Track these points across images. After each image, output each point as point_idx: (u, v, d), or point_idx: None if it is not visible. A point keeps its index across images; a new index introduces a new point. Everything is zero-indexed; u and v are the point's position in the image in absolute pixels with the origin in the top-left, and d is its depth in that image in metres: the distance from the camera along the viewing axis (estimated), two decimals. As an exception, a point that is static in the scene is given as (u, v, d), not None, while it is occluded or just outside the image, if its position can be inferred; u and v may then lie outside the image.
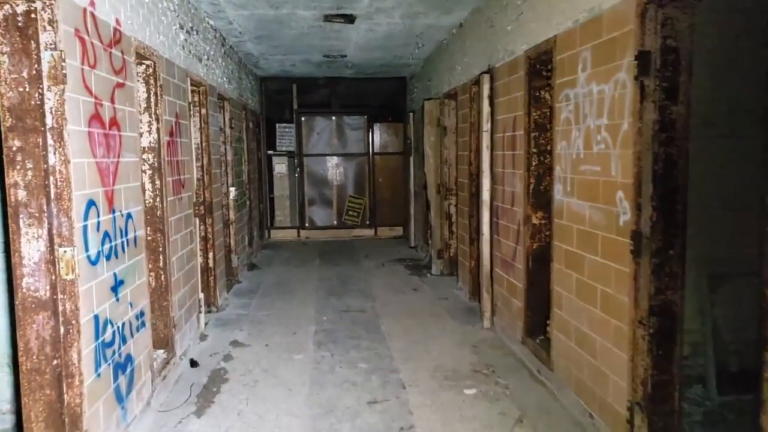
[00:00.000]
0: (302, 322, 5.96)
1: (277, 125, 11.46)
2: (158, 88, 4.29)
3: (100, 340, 3.06)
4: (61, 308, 2.73)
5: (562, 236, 4.04)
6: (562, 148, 4.02)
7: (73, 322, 2.78)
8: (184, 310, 4.92)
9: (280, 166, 11.51)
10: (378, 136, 11.62)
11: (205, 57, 6.11)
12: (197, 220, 5.47)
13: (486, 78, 5.52)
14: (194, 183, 5.41)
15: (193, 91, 5.97)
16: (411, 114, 10.45)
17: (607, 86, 3.33)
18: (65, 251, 2.72)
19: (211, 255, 6.22)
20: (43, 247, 2.69)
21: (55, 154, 2.69)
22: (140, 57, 4.05)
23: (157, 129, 4.31)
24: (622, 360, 3.18)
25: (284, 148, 11.47)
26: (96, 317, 3.02)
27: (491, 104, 5.51)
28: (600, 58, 3.42)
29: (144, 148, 4.27)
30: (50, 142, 2.67)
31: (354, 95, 11.51)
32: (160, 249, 4.38)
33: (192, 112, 5.94)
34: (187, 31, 5.30)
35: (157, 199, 4.35)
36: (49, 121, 2.66)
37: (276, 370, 4.67)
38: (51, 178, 2.68)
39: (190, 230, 5.18)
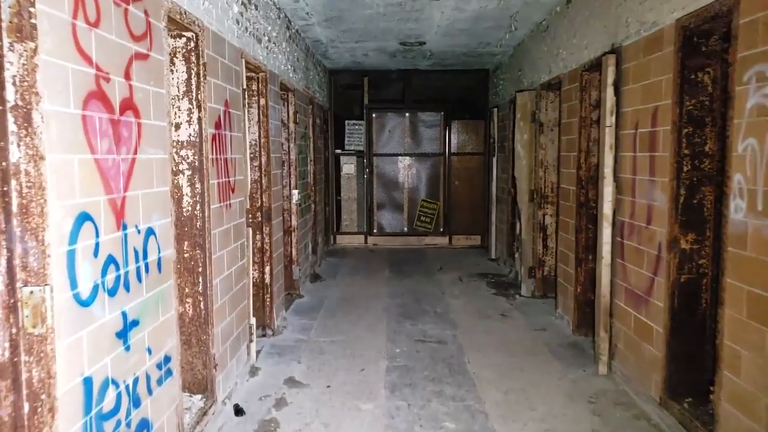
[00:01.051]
0: (371, 353, 4.97)
1: (347, 122, 10.57)
2: (201, 67, 3.40)
3: (93, 413, 2.15)
4: (25, 376, 1.83)
5: (743, 272, 2.85)
6: (747, 149, 2.83)
7: (44, 396, 1.87)
8: (230, 341, 4.03)
9: (348, 167, 10.61)
10: (455, 135, 10.53)
11: (266, 38, 5.22)
12: (250, 231, 4.57)
13: (611, 60, 4.35)
14: (248, 186, 4.52)
15: (250, 78, 5.10)
16: (494, 110, 9.31)
17: None
18: (32, 292, 1.82)
19: (267, 269, 5.33)
20: (1, 285, 1.80)
21: (18, 146, 1.78)
22: (177, 26, 3.16)
23: (199, 119, 3.42)
24: None
25: (353, 147, 10.56)
26: (87, 381, 2.12)
27: (617, 93, 4.34)
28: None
29: (181, 142, 3.40)
30: (11, 128, 1.77)
31: (430, 90, 10.47)
32: (200, 269, 3.49)
33: (248, 101, 5.08)
34: (243, 4, 4.41)
35: (197, 207, 3.46)
36: (10, 96, 1.76)
37: (339, 425, 3.68)
38: (13, 183, 1.78)
39: (240, 243, 4.29)
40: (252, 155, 5.19)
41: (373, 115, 10.46)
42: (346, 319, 5.99)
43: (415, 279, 7.97)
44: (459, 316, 6.13)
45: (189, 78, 3.40)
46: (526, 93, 6.88)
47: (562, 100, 5.88)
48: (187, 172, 3.44)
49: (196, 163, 3.44)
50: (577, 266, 5.39)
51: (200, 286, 3.50)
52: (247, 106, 5.09)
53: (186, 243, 3.46)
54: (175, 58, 3.36)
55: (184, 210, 3.45)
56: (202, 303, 3.51)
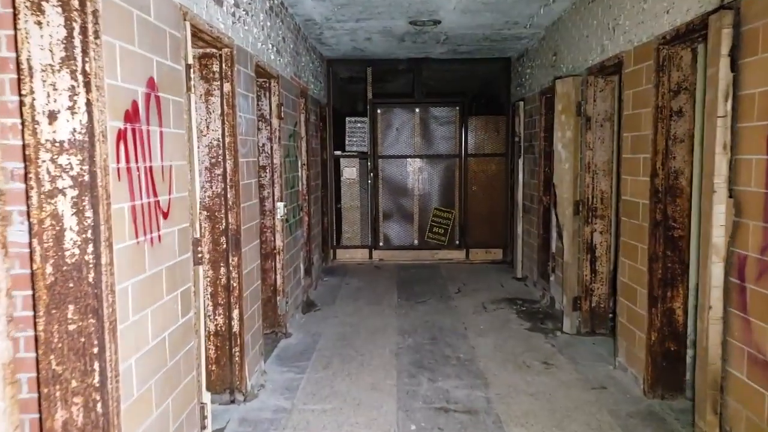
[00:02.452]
0: (376, 432, 3.61)
1: (347, 119, 9.20)
2: (89, 17, 2.05)
3: None
4: None
5: None
6: None
7: None
8: (162, 444, 2.67)
9: (350, 170, 9.24)
10: (473, 133, 9.14)
11: (231, 2, 3.88)
12: (201, 270, 3.21)
13: (725, 18, 2.97)
14: (197, 205, 3.16)
15: (209, 56, 3.77)
16: (520, 103, 7.93)
17: None
18: None
19: (236, 313, 3.97)
20: None
21: None
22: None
23: (88, 104, 2.08)
24: None
25: (355, 148, 9.20)
26: None
27: (734, 68, 2.96)
28: None
29: (59, 143, 2.06)
30: None
31: (443, 82, 9.12)
32: (94, 350, 2.15)
33: (208, 87, 3.76)
34: (188, -58, 3.06)
35: (89, 249, 2.11)
36: None
37: None
38: None
39: (182, 291, 2.93)
40: (212, 161, 3.85)
41: (378, 111, 9.09)
42: (344, 371, 4.63)
43: (430, 306, 6.61)
44: (489, 364, 4.76)
45: (69, 36, 2.05)
46: (569, 80, 5.49)
47: (624, 85, 4.50)
48: (71, 192, 2.09)
49: (86, 177, 2.09)
50: (650, 306, 4.02)
51: (95, 377, 2.15)
52: (203, 93, 3.77)
53: (71, 308, 2.12)
54: (43, 2, 2.01)
55: (67, 254, 2.10)
56: (99, 404, 2.16)
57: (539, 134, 6.97)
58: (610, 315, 5.50)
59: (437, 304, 6.72)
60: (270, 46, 4.97)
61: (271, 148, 5.29)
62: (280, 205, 5.32)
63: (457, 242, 9.21)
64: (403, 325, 5.88)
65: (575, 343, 5.28)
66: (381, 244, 9.22)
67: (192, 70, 3.05)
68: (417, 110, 9.10)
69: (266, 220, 5.33)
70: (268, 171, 5.30)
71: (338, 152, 9.14)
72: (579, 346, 5.18)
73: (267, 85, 5.22)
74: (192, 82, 3.06)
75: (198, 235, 3.14)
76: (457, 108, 9.08)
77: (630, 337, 4.38)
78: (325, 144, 8.62)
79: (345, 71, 9.38)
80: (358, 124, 9.14)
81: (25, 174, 2.05)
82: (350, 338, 5.45)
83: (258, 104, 5.25)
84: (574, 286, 5.50)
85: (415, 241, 9.26)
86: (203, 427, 3.17)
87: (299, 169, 6.36)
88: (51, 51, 2.04)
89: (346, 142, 9.19)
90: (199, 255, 3.13)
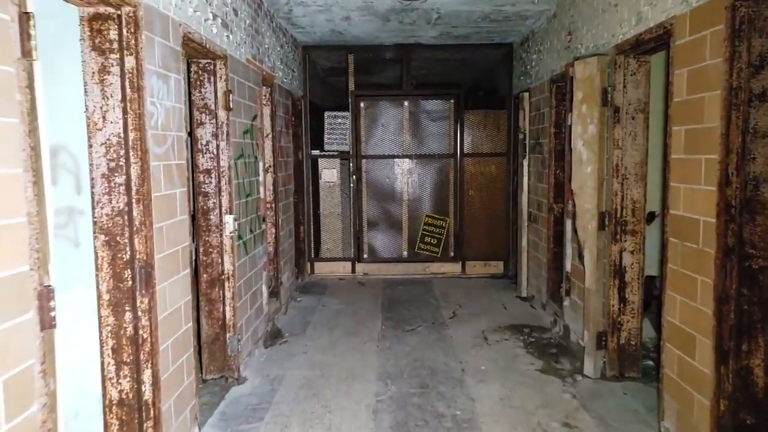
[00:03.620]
0: None
1: (326, 114, 8.09)
2: None
3: None
4: None
5: None
6: None
7: None
8: None
9: (330, 172, 8.12)
10: (470, 130, 8.03)
11: (135, -59, 2.75)
12: (55, 334, 2.08)
13: None
14: (48, 235, 2.04)
15: (100, 17, 2.67)
16: (524, 95, 6.84)
17: None
18: None
19: (147, 375, 2.86)
20: None
21: None
22: None
23: None
24: None
25: (335, 147, 8.08)
26: None
27: None
28: None
29: None
30: None
31: (436, 71, 8.01)
32: None
33: (103, 62, 2.66)
34: None
35: None
36: None
37: None
38: None
39: (4, 381, 1.82)
40: (111, 164, 2.74)
41: (362, 105, 7.96)
42: (305, 439, 3.52)
43: (420, 336, 5.51)
44: (494, 429, 3.66)
45: None
46: (592, 60, 4.39)
47: (674, 63, 3.39)
48: None
49: None
50: (719, 362, 2.93)
51: None
52: (96, 70, 2.66)
53: None
54: None
55: None
56: None
57: (549, 130, 5.89)
58: (642, 353, 4.44)
59: (428, 333, 5.62)
60: (210, 15, 3.85)
61: (217, 146, 4.18)
62: (228, 218, 4.21)
63: (452, 254, 8.10)
64: (387, 365, 4.77)
65: (601, 392, 4.20)
66: (365, 256, 8.10)
67: (32, 23, 1.92)
68: (406, 104, 7.98)
69: (211, 237, 4.22)
70: (213, 176, 4.19)
71: (316, 152, 8.01)
72: (607, 398, 4.09)
73: (210, 67, 4.12)
74: (34, 42, 1.94)
75: (51, 282, 2.02)
76: (452, 101, 7.96)
77: (684, 400, 3.29)
78: (301, 142, 7.50)
79: (325, 60, 8.28)
80: (339, 120, 8.02)
81: None
82: (318, 386, 4.34)
83: (200, 91, 4.17)
84: (598, 319, 4.41)
85: (405, 253, 8.15)
86: None
87: (260, 173, 5.24)
88: None
89: (326, 141, 8.07)
90: (52, 313, 2.01)
